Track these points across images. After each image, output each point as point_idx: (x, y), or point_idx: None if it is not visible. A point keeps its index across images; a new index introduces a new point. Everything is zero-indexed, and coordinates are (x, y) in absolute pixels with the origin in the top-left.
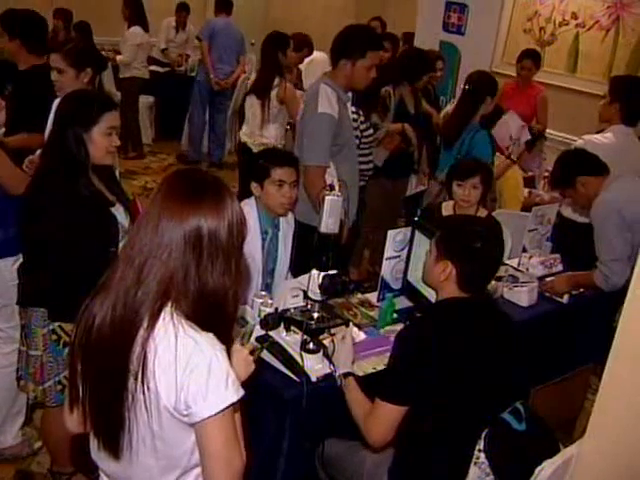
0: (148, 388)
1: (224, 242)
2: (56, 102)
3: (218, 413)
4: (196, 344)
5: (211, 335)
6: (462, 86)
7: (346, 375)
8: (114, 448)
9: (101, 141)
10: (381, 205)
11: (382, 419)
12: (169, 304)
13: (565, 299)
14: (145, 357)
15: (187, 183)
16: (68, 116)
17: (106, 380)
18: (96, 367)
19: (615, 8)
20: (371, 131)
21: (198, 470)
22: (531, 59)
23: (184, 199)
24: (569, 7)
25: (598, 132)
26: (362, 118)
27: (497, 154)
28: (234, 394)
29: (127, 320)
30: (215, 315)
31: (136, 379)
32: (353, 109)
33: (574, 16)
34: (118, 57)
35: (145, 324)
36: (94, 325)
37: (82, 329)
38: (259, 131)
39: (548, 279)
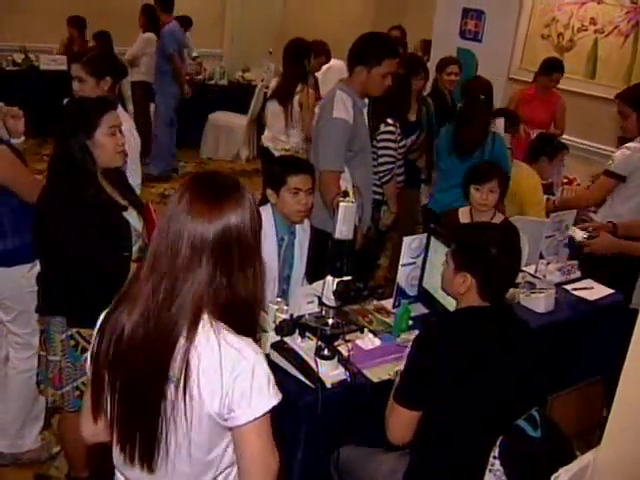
0: (191, 396)
1: (250, 241)
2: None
3: (261, 417)
4: (239, 350)
5: (250, 340)
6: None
7: None
8: (149, 460)
9: (107, 142)
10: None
11: (396, 420)
12: (205, 311)
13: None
14: (188, 366)
15: (208, 185)
16: (68, 126)
17: (141, 391)
18: (129, 378)
19: (634, 13)
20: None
21: (229, 471)
22: (561, 72)
23: (210, 200)
24: (588, 13)
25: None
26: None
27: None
28: (275, 397)
29: (164, 331)
30: (244, 319)
31: (177, 388)
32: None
33: (593, 22)
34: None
35: (184, 333)
36: (124, 335)
37: (108, 339)
38: (282, 136)
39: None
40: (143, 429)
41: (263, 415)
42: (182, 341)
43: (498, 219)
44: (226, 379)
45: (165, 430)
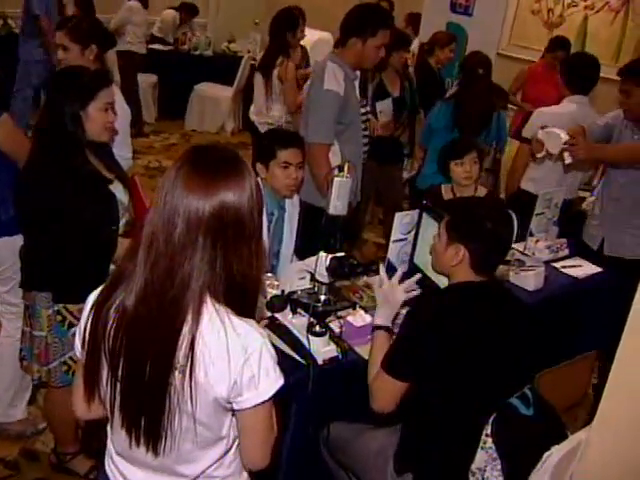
0: (197, 383)
1: (247, 220)
2: None
3: (268, 400)
4: (245, 333)
5: (253, 322)
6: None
7: (379, 327)
8: (155, 442)
9: (98, 117)
10: (370, 190)
11: (383, 389)
12: (208, 295)
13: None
14: (193, 354)
15: (207, 159)
16: (63, 93)
17: (146, 378)
18: (133, 365)
19: None
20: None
21: (234, 445)
22: (564, 50)
23: (207, 175)
24: None
25: None
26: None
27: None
28: (280, 379)
29: (169, 316)
30: (245, 301)
31: (183, 374)
32: None
33: None
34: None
35: (189, 318)
36: (125, 318)
37: (105, 320)
38: (264, 110)
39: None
40: (148, 413)
41: (269, 399)
42: (186, 328)
43: (482, 192)
44: (234, 365)
45: (171, 414)
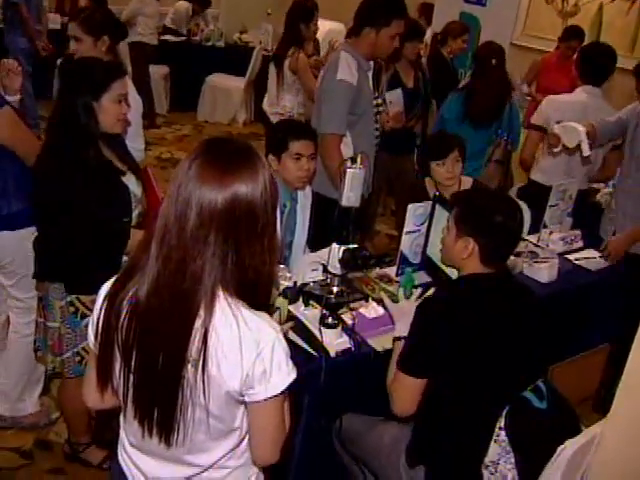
0: (209, 376)
1: (260, 214)
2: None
3: (280, 393)
4: (258, 327)
5: (266, 315)
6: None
7: (398, 339)
8: (167, 434)
9: (112, 109)
10: (383, 181)
11: (401, 389)
12: (220, 289)
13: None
14: (206, 348)
15: (221, 151)
16: (77, 85)
17: (159, 371)
18: (146, 358)
19: None
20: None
21: (247, 436)
22: (578, 39)
23: (221, 167)
24: None
25: None
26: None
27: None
28: (292, 373)
29: (180, 307)
30: (258, 295)
31: (196, 368)
32: None
33: None
34: None
35: (201, 312)
36: (137, 309)
37: (118, 311)
38: (276, 100)
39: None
40: (161, 405)
41: (282, 392)
42: (199, 321)
43: (467, 184)
44: (246, 359)
45: (183, 406)
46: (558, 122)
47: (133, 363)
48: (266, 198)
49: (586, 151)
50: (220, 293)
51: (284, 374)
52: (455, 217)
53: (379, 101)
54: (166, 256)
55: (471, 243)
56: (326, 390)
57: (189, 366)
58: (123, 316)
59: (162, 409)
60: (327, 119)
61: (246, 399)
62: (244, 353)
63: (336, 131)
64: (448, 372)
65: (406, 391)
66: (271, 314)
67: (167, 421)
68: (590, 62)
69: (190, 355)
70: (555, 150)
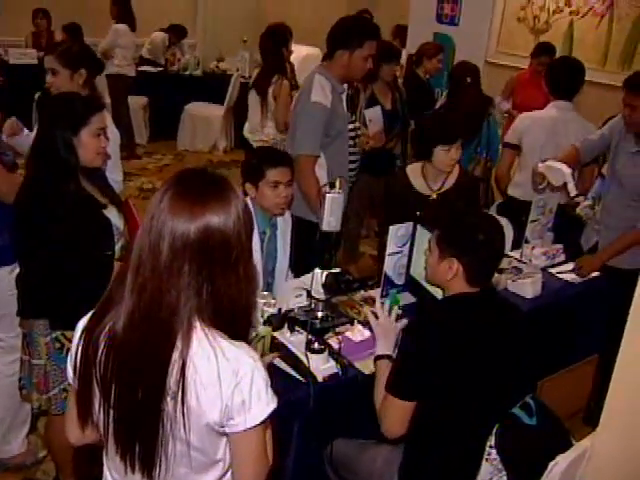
0: (188, 408)
1: (234, 244)
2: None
3: (260, 423)
4: (236, 357)
5: (244, 345)
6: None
7: (381, 357)
8: (150, 468)
9: (91, 143)
10: (365, 203)
11: (391, 412)
12: (196, 319)
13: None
14: (184, 379)
15: (192, 183)
16: (55, 119)
17: (138, 405)
18: (124, 392)
19: None
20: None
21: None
22: (548, 55)
23: (192, 199)
24: None
25: None
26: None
27: None
28: (272, 402)
29: (158, 341)
30: (235, 324)
31: (175, 400)
32: None
33: (568, 3)
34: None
35: (179, 345)
36: (114, 343)
37: (95, 346)
38: (259, 128)
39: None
40: (142, 440)
41: (263, 422)
42: (176, 353)
43: (456, 171)
44: (225, 390)
45: (164, 440)
46: (543, 161)
47: (112, 398)
48: (239, 228)
49: (573, 191)
50: (197, 324)
51: (263, 404)
52: (437, 239)
53: (357, 124)
54: (141, 287)
55: (455, 264)
56: (315, 416)
57: (168, 399)
58: (100, 350)
59: (143, 443)
60: (301, 140)
61: (226, 430)
62: (222, 384)
63: (310, 152)
64: (438, 393)
65: (396, 414)
66: (250, 343)
67: (148, 455)
68: (558, 77)
69: (169, 387)
70: (540, 187)
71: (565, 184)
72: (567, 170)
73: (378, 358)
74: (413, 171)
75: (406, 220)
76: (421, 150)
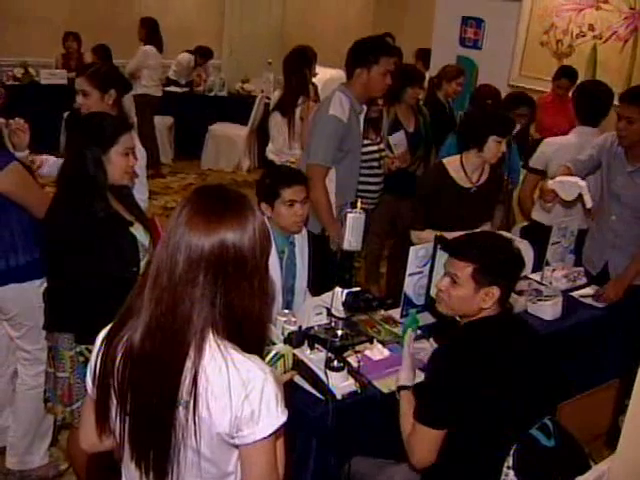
0: (200, 418)
1: (249, 260)
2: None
3: (269, 436)
4: (247, 369)
5: (257, 357)
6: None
7: (402, 388)
8: (162, 476)
9: (119, 162)
10: (386, 224)
11: (422, 441)
12: (210, 330)
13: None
14: (196, 389)
15: (210, 199)
16: (86, 138)
17: (152, 414)
18: (139, 401)
19: (633, 19)
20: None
21: None
22: (568, 78)
23: (208, 214)
24: (586, 19)
25: None
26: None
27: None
28: (282, 415)
29: (172, 351)
30: (249, 337)
31: (187, 409)
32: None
33: (591, 28)
34: None
35: (192, 354)
36: (131, 353)
37: (113, 356)
38: (286, 149)
39: (600, 292)
40: (155, 447)
41: (272, 434)
42: (189, 363)
43: (487, 166)
44: (235, 401)
45: (177, 448)
46: (552, 178)
47: (128, 406)
48: (254, 244)
49: (589, 203)
50: (210, 335)
51: (273, 417)
52: (473, 273)
53: (381, 146)
54: (158, 299)
55: (495, 290)
56: (334, 433)
57: (180, 407)
58: (118, 359)
59: (156, 451)
60: (315, 150)
61: (236, 442)
62: (232, 395)
63: (322, 162)
64: (471, 419)
65: (426, 443)
66: (264, 357)
67: (161, 463)
68: (582, 103)
69: (181, 396)
70: (548, 205)
71: (580, 196)
72: (582, 182)
73: (402, 388)
74: (451, 164)
75: (441, 211)
76: (471, 139)
